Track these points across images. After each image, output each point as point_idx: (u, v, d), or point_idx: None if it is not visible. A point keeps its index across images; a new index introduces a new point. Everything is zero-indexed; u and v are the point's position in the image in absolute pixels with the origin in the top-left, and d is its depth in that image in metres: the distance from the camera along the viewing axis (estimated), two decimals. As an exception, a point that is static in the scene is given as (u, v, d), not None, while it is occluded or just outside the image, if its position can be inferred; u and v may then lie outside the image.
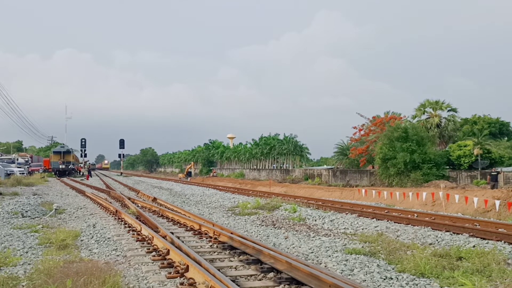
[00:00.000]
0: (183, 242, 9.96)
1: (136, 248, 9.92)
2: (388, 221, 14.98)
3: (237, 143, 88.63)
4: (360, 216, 16.28)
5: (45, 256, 9.15)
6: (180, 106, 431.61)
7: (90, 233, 12.21)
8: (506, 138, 47.34)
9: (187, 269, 7.42)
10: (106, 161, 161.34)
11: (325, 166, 61.93)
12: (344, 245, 10.65)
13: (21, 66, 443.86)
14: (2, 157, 59.78)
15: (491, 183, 25.74)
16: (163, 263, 8.26)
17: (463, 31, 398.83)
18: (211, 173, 75.10)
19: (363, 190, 27.57)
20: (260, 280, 7.43)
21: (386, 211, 17.50)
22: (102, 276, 6.82)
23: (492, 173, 26.43)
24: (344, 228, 13.70)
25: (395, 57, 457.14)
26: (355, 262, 8.66)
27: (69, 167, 64.80)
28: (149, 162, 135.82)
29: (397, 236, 11.95)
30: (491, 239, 11.02)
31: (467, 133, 42.51)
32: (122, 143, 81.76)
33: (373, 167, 39.49)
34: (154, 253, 9.28)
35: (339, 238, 11.83)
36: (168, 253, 8.73)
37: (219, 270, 7.36)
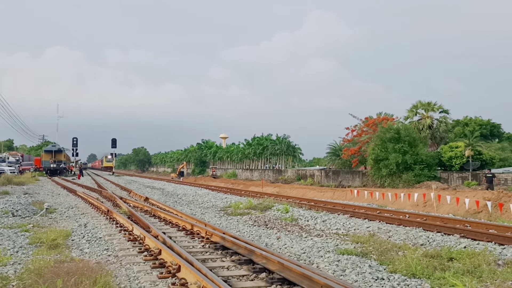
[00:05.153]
0: (175, 242, 9.94)
1: (128, 248, 9.88)
2: (380, 221, 15.03)
3: (230, 143, 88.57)
4: (352, 216, 16.33)
5: (35, 256, 9.08)
6: (173, 106, 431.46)
7: (81, 233, 12.13)
8: (496, 140, 47.71)
9: (179, 269, 7.40)
10: (109, 156, 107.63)
11: (317, 166, 62.08)
12: (336, 245, 10.67)
13: (11, 63, 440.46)
14: (-7, 155, 59.29)
15: (486, 184, 25.90)
16: (154, 263, 8.23)
17: (456, 34, 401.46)
18: (211, 172, 70.85)
19: (355, 191, 27.65)
20: (252, 280, 7.43)
21: (378, 211, 17.57)
22: (93, 276, 6.77)
23: (488, 175, 26.61)
24: (336, 229, 13.73)
25: (388, 59, 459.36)
26: (347, 262, 8.68)
27: (61, 166, 64.37)
28: (141, 161, 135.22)
29: (389, 237, 11.99)
30: (482, 240, 11.09)
31: (458, 135, 42.77)
32: (114, 143, 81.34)
33: (365, 168, 39.60)
34: (145, 253, 9.25)
35: (331, 238, 11.86)
36: (160, 253, 8.70)
37: (211, 270, 7.34)
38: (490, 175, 26.48)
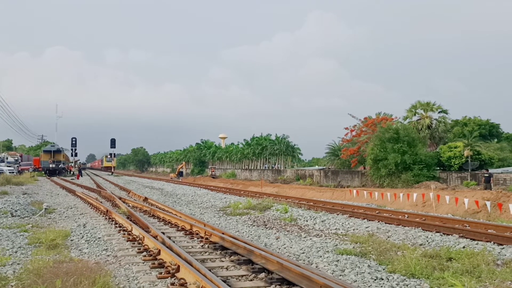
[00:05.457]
0: (174, 242, 9.93)
1: (127, 248, 9.88)
2: (379, 221, 15.04)
3: (229, 143, 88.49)
4: (351, 216, 16.34)
5: (34, 256, 9.07)
6: (172, 106, 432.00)
7: (80, 233, 12.13)
8: (495, 140, 47.65)
9: (178, 269, 7.40)
10: (109, 156, 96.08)
11: (316, 166, 62.05)
12: (335, 245, 10.68)
13: (11, 63, 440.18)
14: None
15: (484, 184, 25.98)
16: (154, 263, 8.23)
17: (456, 34, 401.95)
18: (210, 172, 70.78)
19: (354, 191, 27.66)
20: (251, 280, 7.43)
21: (377, 211, 17.58)
22: (92, 276, 6.77)
23: (485, 175, 26.71)
24: (335, 229, 13.74)
25: (388, 59, 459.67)
26: (346, 262, 8.68)
27: (60, 166, 64.32)
28: (141, 161, 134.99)
29: (388, 237, 12.00)
30: (481, 240, 11.10)
31: (457, 135, 42.75)
32: (113, 143, 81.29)
33: (364, 168, 39.61)
34: (145, 253, 9.24)
35: (330, 238, 11.86)
36: (159, 253, 8.70)
37: (210, 270, 7.34)
38: (487, 175, 26.61)
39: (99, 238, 11.43)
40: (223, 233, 10.53)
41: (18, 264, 8.43)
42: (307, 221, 15.28)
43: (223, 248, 9.68)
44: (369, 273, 7.91)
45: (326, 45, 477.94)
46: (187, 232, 11.96)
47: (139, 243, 10.24)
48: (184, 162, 78.79)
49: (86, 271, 6.98)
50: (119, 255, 9.20)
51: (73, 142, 79.59)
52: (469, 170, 32.14)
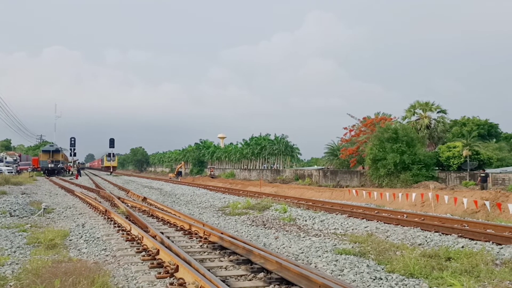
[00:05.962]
0: (173, 242, 9.92)
1: (126, 248, 9.87)
2: (378, 221, 15.04)
3: (228, 143, 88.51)
4: (350, 216, 16.34)
5: (33, 256, 9.07)
6: (171, 106, 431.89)
7: (79, 233, 12.12)
8: (494, 140, 47.71)
9: (177, 269, 7.39)
10: (108, 155, 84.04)
11: (315, 166, 62.05)
12: (334, 245, 10.68)
13: (11, 63, 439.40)
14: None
15: (481, 184, 26.05)
16: (152, 263, 8.23)
17: (456, 34, 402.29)
18: (209, 171, 70.77)
19: (353, 191, 27.69)
20: (250, 280, 7.42)
21: (376, 211, 17.58)
22: (91, 276, 6.76)
23: (481, 175, 26.80)
24: (334, 229, 13.74)
25: (388, 59, 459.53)
26: (345, 262, 8.68)
27: (58, 166, 64.28)
28: (139, 161, 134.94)
29: (387, 237, 12.01)
30: (480, 240, 11.12)
31: (456, 135, 42.78)
32: (112, 142, 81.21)
33: (363, 168, 39.65)
34: (143, 253, 9.23)
35: (329, 238, 11.86)
36: (158, 253, 8.70)
37: (209, 270, 7.33)
38: (484, 174, 26.75)
39: (98, 238, 11.42)
40: (222, 233, 10.53)
41: (16, 264, 8.42)
42: (306, 221, 15.28)
43: (222, 248, 9.68)
44: (368, 272, 7.91)
45: (325, 45, 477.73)
46: (186, 232, 11.96)
47: (138, 243, 10.23)
48: (183, 162, 78.89)
49: (84, 271, 6.98)
50: (118, 255, 9.19)
51: (72, 142, 79.41)
52: (468, 170, 32.19)
